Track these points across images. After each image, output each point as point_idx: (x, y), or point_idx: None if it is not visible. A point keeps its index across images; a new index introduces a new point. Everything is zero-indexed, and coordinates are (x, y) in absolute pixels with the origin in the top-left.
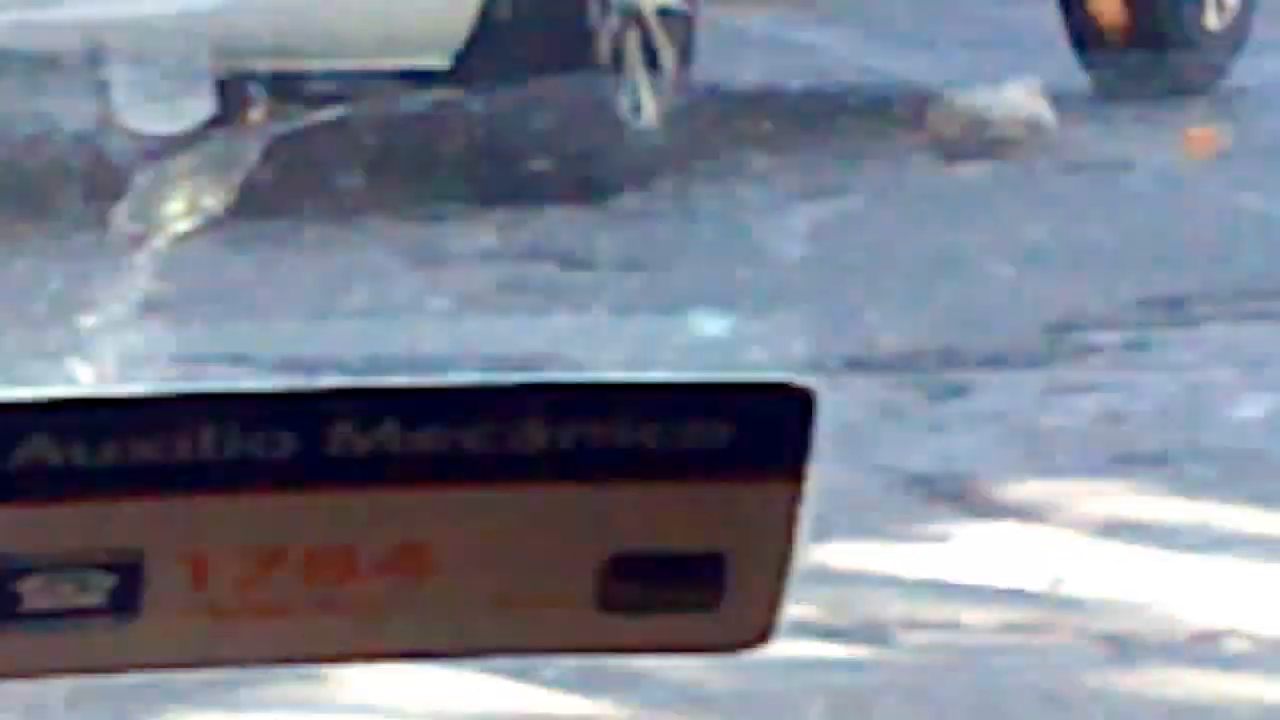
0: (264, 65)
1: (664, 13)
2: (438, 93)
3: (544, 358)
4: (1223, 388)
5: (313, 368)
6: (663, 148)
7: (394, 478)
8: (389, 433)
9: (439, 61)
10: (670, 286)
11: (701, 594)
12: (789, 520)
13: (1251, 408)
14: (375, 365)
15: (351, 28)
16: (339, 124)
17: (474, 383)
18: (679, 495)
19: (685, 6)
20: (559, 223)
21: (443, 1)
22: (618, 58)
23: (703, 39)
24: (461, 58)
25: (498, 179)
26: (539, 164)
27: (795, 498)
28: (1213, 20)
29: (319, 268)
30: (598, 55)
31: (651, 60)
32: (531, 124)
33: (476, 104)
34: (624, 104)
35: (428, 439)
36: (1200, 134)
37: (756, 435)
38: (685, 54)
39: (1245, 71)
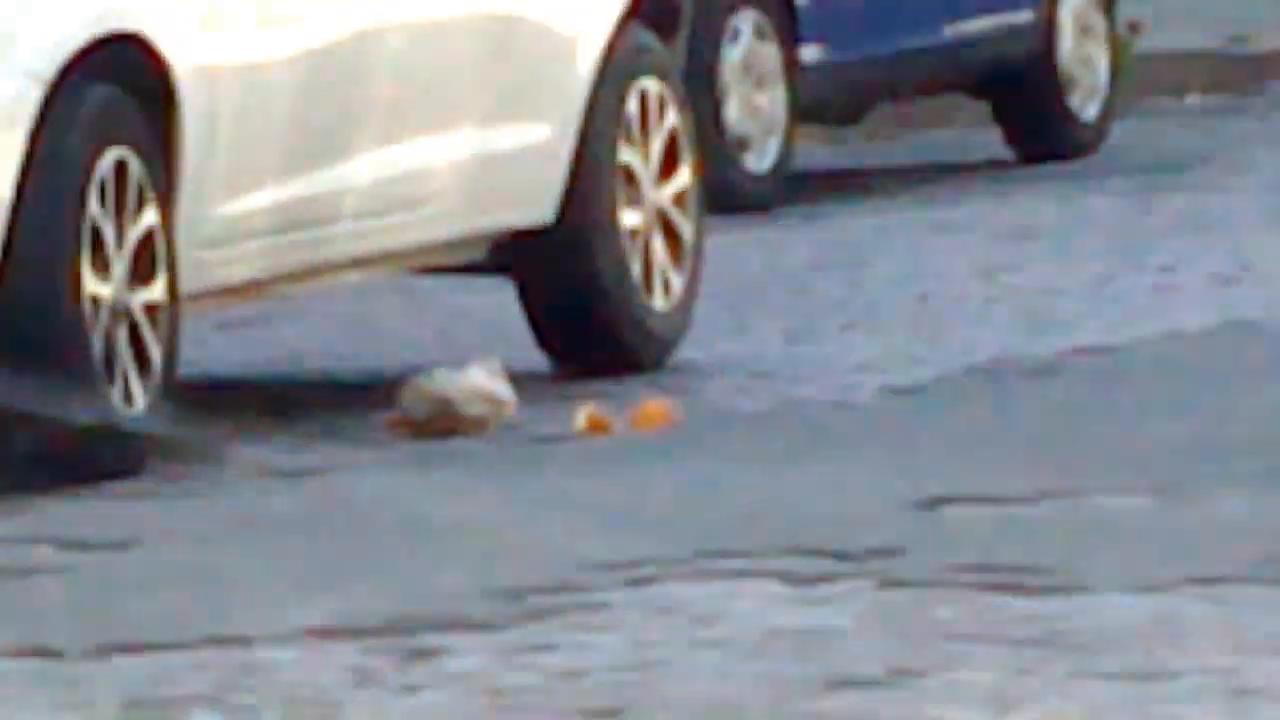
0: None
1: (149, 307)
2: None
3: None
4: (673, 644)
5: None
6: (156, 436)
7: None
8: None
9: None
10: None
11: None
12: None
13: (703, 663)
14: None
15: None
16: None
17: None
18: None
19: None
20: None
21: None
22: (110, 352)
23: (186, 331)
24: None
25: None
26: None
27: None
28: (660, 303)
29: None
30: (92, 350)
31: (140, 354)
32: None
33: None
34: (116, 394)
35: None
36: (653, 406)
37: None
38: (171, 349)
39: (691, 347)
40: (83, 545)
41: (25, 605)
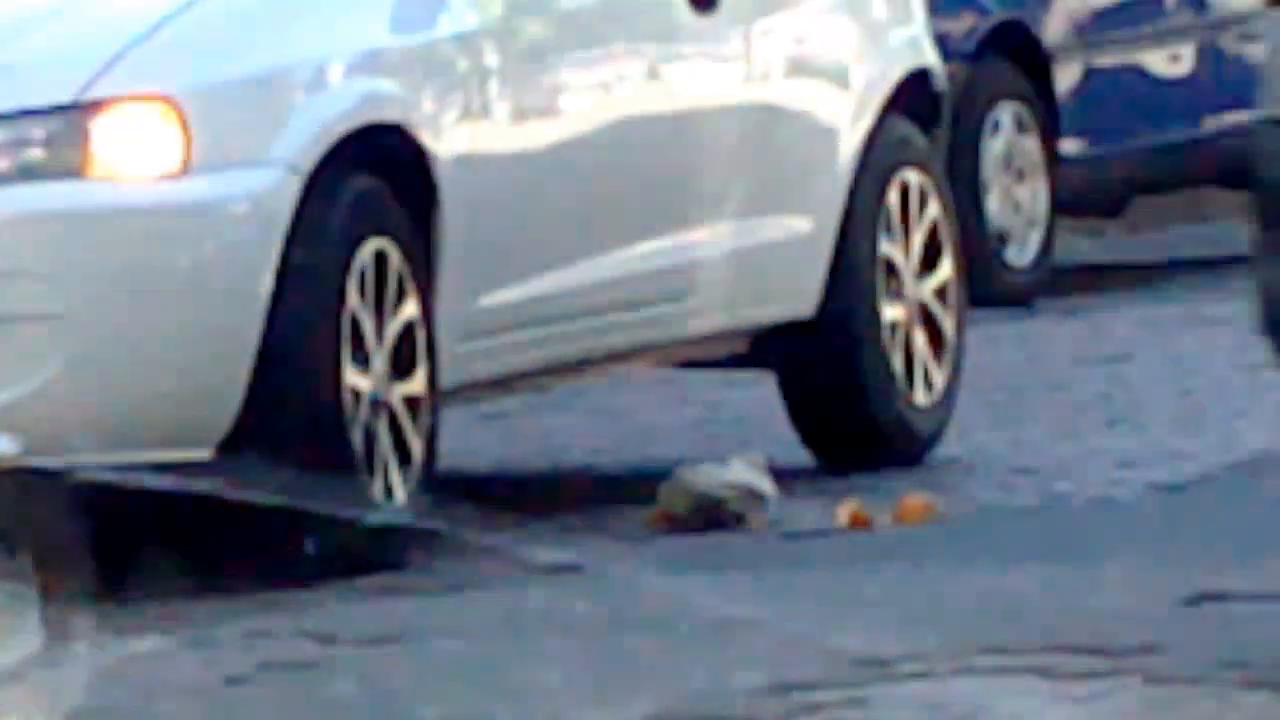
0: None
1: (410, 400)
2: None
3: None
4: None
5: None
6: (412, 530)
7: None
8: None
9: (201, 453)
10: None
11: None
12: None
13: None
14: None
15: (120, 421)
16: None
17: None
18: None
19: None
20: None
21: (205, 397)
22: (370, 446)
23: (446, 424)
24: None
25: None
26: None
27: None
28: (921, 397)
29: None
30: (353, 444)
31: (401, 447)
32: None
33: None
34: (377, 488)
35: None
36: (916, 501)
37: None
38: (432, 442)
39: (953, 442)
40: (346, 640)
41: (291, 701)
